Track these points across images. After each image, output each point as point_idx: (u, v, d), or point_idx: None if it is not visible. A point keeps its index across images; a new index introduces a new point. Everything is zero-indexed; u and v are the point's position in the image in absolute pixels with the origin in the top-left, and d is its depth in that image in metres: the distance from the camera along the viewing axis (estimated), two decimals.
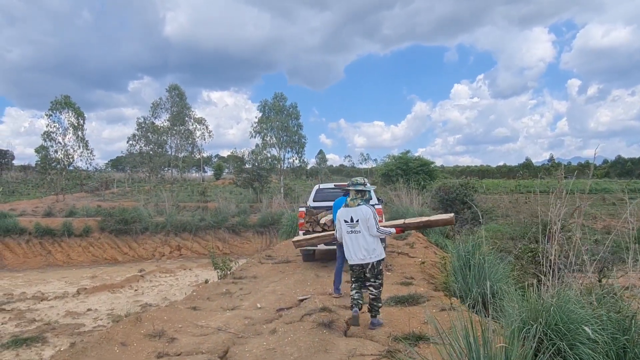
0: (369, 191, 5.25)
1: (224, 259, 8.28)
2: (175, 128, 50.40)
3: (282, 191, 35.59)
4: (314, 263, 9.30)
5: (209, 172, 76.78)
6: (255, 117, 41.44)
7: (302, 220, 8.88)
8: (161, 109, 50.05)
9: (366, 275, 5.04)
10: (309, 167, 52.79)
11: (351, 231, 5.02)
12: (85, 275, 19.73)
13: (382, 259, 5.07)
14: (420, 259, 8.49)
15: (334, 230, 8.34)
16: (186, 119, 51.11)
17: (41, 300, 14.17)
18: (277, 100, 39.63)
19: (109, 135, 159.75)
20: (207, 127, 53.72)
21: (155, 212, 27.51)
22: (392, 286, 6.79)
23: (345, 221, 5.08)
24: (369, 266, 4.97)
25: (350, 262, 5.13)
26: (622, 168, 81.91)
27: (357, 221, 4.99)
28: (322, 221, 8.80)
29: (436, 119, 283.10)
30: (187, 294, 8.39)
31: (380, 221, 10.07)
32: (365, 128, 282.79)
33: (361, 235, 4.97)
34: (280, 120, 39.45)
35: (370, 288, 4.97)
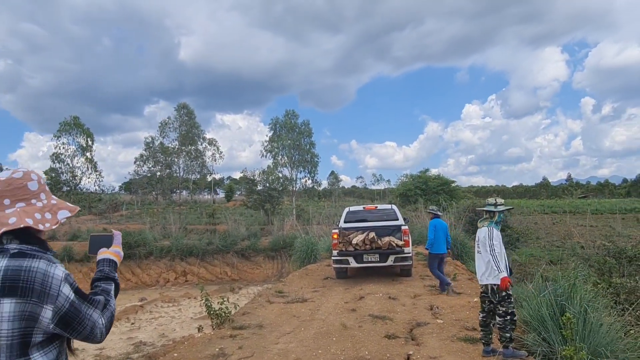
0: (499, 212, 4.94)
1: (221, 301, 6.45)
2: (184, 148, 49.03)
3: (294, 213, 33.99)
4: (338, 303, 7.45)
5: (221, 194, 75.70)
6: (267, 136, 39.93)
7: (335, 241, 9.64)
8: (169, 128, 48.92)
9: (492, 302, 4.81)
10: (321, 187, 51.01)
11: (476, 251, 5.01)
12: None
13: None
14: (475, 298, 6.69)
15: (364, 249, 9.43)
16: (195, 138, 49.73)
17: None
18: (288, 118, 38.12)
19: (124, 158, 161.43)
20: (217, 147, 52.33)
21: (162, 235, 26.11)
22: (451, 344, 5.02)
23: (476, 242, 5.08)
24: (489, 290, 4.77)
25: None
26: None
27: (478, 242, 4.96)
28: (354, 241, 9.39)
29: (448, 139, 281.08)
30: (162, 346, 6.70)
31: (407, 242, 8.97)
32: (377, 149, 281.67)
33: (479, 255, 4.91)
34: (291, 138, 37.88)
35: (496, 316, 4.72)
